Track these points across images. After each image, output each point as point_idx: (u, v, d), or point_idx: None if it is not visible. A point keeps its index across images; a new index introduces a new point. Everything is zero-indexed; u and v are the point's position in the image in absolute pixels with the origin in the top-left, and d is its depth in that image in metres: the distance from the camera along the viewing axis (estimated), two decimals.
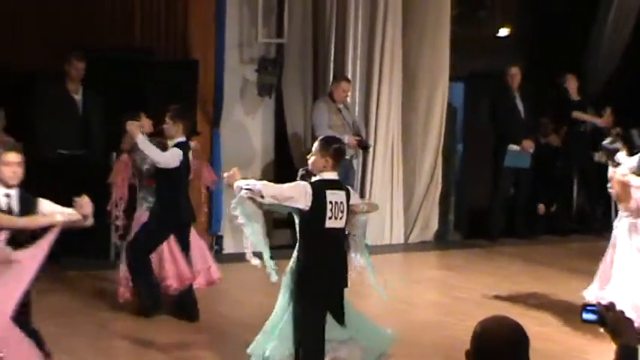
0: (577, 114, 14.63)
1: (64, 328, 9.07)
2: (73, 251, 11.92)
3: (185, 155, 9.54)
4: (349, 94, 13.28)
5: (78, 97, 11.79)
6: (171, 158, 9.43)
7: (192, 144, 10.08)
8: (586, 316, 3.77)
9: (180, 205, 9.63)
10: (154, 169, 9.69)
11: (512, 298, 10.37)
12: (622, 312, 3.74)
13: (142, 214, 9.90)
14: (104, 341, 8.80)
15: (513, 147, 14.13)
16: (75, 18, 12.61)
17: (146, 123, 9.94)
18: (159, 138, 9.82)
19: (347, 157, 13.01)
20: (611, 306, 3.75)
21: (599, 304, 3.80)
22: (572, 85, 14.69)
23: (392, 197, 13.85)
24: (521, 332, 3.53)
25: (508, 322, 3.57)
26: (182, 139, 9.64)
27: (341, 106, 13.04)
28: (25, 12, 12.86)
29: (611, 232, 9.95)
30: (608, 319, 3.71)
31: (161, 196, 9.64)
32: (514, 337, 3.51)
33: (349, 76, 13.40)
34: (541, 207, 15.06)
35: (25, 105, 11.96)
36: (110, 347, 8.61)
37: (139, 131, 9.48)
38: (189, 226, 9.88)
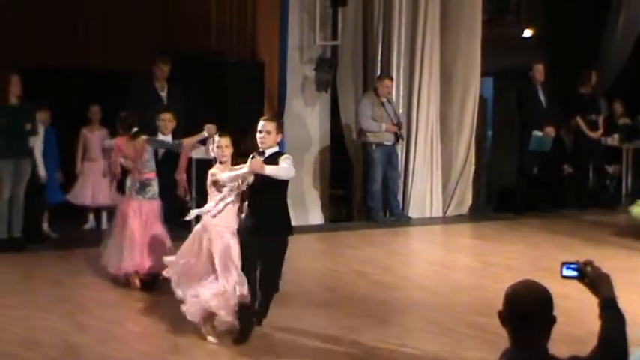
0: (578, 120, 14.60)
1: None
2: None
3: None
4: (393, 89, 13.38)
5: (163, 93, 11.85)
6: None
7: None
8: (566, 272, 3.59)
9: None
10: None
11: (537, 263, 10.33)
12: (599, 267, 3.59)
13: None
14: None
15: (537, 133, 14.10)
16: (161, 27, 12.75)
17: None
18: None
19: (388, 144, 13.15)
20: (589, 262, 3.60)
21: (578, 261, 3.62)
22: (585, 79, 14.63)
23: (432, 177, 13.88)
24: (547, 293, 3.49)
25: (535, 285, 3.53)
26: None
27: (384, 100, 13.13)
28: (121, 23, 13.03)
29: (621, 206, 9.85)
30: (588, 274, 3.58)
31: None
32: (540, 298, 3.47)
33: (394, 73, 13.47)
34: (566, 168, 14.99)
35: (118, 101, 12.12)
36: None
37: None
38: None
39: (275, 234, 7.52)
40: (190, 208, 8.59)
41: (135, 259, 9.07)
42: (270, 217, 7.50)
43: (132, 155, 9.21)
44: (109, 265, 9.28)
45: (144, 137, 9.25)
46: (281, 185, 7.50)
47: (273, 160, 7.44)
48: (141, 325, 8.13)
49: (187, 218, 7.95)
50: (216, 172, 7.53)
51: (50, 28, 13.04)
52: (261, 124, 7.56)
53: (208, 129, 9.25)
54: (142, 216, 9.16)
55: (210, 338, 7.42)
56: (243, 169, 7.45)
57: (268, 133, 7.49)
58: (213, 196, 7.55)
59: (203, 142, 9.51)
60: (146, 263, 9.08)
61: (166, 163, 9.63)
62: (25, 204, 10.99)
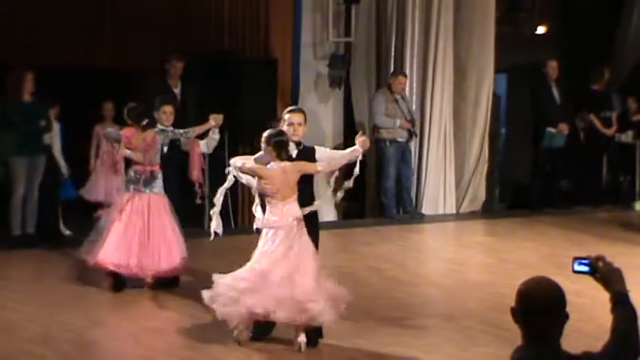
0: (592, 117, 14.56)
1: None
2: None
3: None
4: (406, 85, 13.39)
5: (177, 90, 11.86)
6: None
7: None
8: (577, 267, 3.57)
9: None
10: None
11: (550, 260, 10.30)
12: (611, 262, 3.57)
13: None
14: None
15: (550, 129, 14.08)
16: (175, 25, 12.77)
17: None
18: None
19: (402, 140, 13.18)
20: (600, 257, 3.58)
21: (589, 256, 3.59)
22: (599, 75, 14.61)
23: (445, 174, 13.88)
24: (559, 290, 3.49)
25: (548, 281, 3.53)
26: None
27: (398, 96, 13.16)
28: (135, 21, 13.06)
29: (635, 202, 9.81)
30: (599, 269, 3.56)
31: None
32: (553, 294, 3.48)
33: (407, 70, 13.47)
34: (564, 184, 14.99)
35: (132, 98, 12.14)
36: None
37: None
38: None
39: (313, 226, 7.41)
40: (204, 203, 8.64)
41: (146, 261, 8.82)
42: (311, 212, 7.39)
43: (141, 147, 8.99)
44: (105, 259, 8.80)
45: (155, 129, 9.10)
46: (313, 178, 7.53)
47: (307, 152, 7.44)
48: (155, 321, 8.16)
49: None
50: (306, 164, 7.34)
51: (63, 27, 13.07)
52: (289, 116, 7.44)
53: (214, 118, 9.17)
54: (151, 211, 8.92)
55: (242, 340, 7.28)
56: (354, 152, 7.48)
57: (300, 124, 7.43)
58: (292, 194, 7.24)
59: (204, 134, 9.38)
60: (160, 266, 8.85)
61: (170, 156, 9.47)
62: (39, 201, 11.07)
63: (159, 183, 9.07)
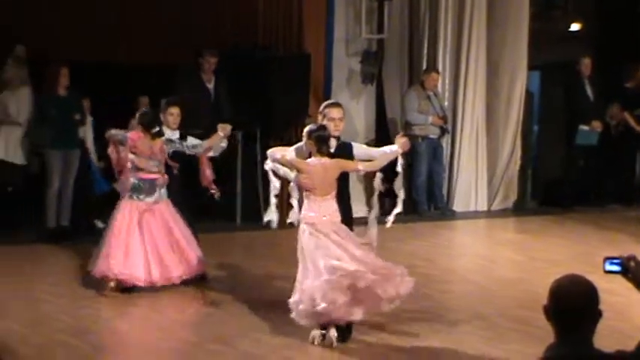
0: (626, 114, 14.40)
1: None
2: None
3: None
4: (439, 82, 13.36)
5: (210, 86, 11.89)
6: None
7: None
8: (609, 267, 3.54)
9: None
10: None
11: (582, 258, 10.23)
12: None
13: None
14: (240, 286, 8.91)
15: (583, 127, 14.00)
16: (208, 21, 12.81)
17: None
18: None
19: (434, 137, 13.16)
20: (632, 257, 3.55)
21: (621, 256, 3.55)
22: (631, 73, 14.48)
23: (477, 171, 13.83)
24: (593, 288, 3.49)
25: (581, 279, 3.52)
26: None
27: (430, 93, 13.15)
28: (169, 18, 13.10)
29: None
30: (631, 269, 3.53)
31: None
32: (586, 292, 3.47)
33: (440, 67, 13.45)
34: None
35: (166, 93, 12.17)
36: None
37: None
38: None
39: (350, 224, 7.42)
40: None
41: (163, 271, 8.65)
42: (345, 207, 7.41)
43: (146, 153, 8.75)
44: (118, 273, 8.57)
45: (163, 138, 8.82)
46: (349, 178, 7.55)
47: (345, 147, 7.44)
48: (185, 314, 8.19)
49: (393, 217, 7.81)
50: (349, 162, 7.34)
51: (98, 23, 13.14)
52: (329, 111, 7.43)
53: (222, 129, 8.99)
54: (159, 220, 8.75)
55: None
56: (394, 149, 7.48)
57: (340, 119, 7.44)
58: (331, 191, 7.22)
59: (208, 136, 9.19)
60: (181, 272, 8.72)
61: (174, 156, 9.20)
62: (73, 194, 11.16)
63: (163, 189, 8.89)
